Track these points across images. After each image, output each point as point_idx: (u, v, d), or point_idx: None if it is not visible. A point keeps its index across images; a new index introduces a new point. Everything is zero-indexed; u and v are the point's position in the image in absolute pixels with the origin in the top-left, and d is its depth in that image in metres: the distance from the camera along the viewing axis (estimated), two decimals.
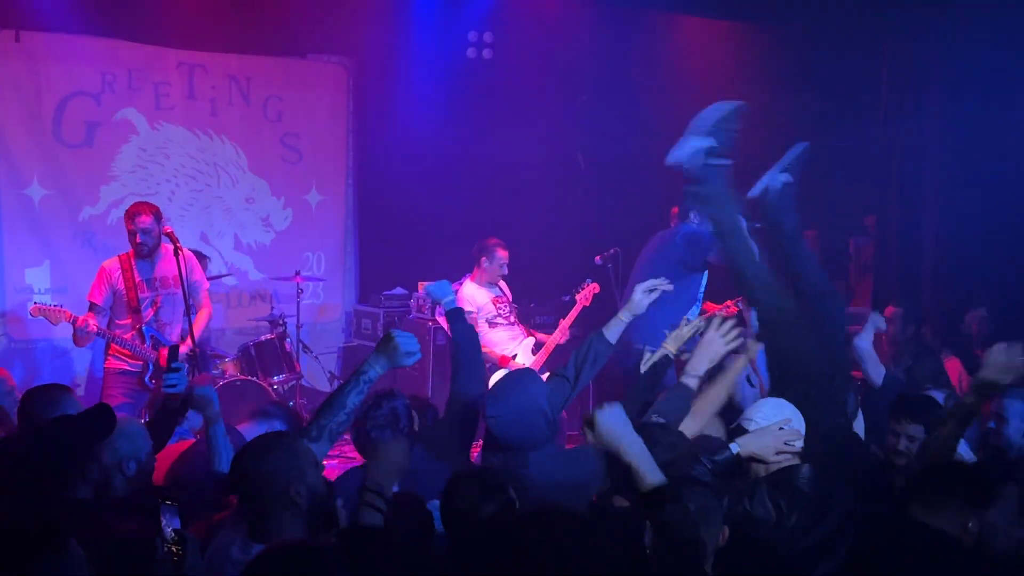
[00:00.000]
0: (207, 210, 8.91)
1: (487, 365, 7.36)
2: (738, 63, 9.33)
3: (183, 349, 6.11)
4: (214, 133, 8.89)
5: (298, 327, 8.37)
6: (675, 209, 7.65)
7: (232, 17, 8.42)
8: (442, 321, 8.23)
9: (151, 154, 8.61)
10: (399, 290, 9.07)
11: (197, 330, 6.48)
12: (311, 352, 8.64)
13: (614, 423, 3.20)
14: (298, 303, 8.38)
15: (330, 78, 9.40)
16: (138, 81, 8.46)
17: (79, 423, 3.67)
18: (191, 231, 8.66)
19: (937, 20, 8.26)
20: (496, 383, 4.24)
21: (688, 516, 3.01)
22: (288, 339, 8.12)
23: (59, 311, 6.19)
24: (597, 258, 7.77)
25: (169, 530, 2.91)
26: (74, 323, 6.12)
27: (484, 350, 7.32)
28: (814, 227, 9.37)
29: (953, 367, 7.42)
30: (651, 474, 3.09)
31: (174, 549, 2.89)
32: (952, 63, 8.63)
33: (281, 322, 8.19)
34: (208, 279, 8.17)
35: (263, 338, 8.03)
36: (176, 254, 6.14)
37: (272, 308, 8.61)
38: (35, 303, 6.37)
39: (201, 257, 8.21)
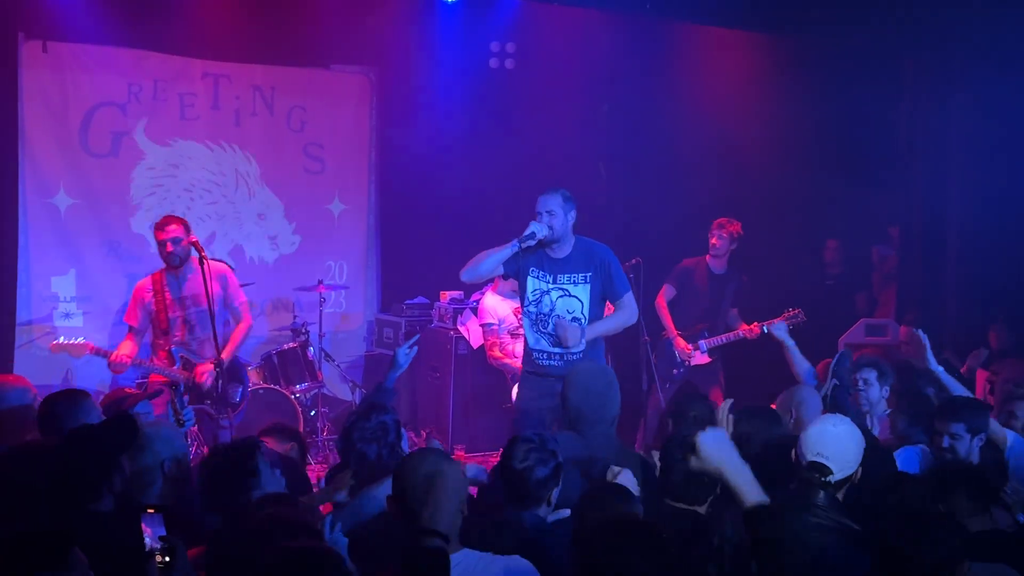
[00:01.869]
0: (222, 218, 8.95)
1: (509, 376, 7.40)
2: (760, 72, 9.31)
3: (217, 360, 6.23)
4: (237, 147, 8.93)
5: (320, 336, 8.40)
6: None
7: (257, 28, 8.48)
8: (463, 330, 8.25)
9: (164, 170, 8.63)
10: (421, 299, 9.09)
11: (235, 342, 6.57)
12: (333, 361, 8.67)
13: (717, 446, 3.25)
14: (320, 312, 8.41)
15: (353, 88, 9.45)
16: (163, 91, 8.53)
17: (101, 433, 3.68)
18: (201, 232, 8.65)
19: (961, 29, 8.22)
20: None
21: (787, 533, 3.09)
22: (310, 348, 8.16)
23: (81, 346, 6.23)
24: None
25: (150, 539, 2.90)
26: (107, 357, 6.18)
27: (506, 361, 7.36)
28: (836, 237, 9.37)
29: (978, 378, 7.39)
30: (753, 494, 3.12)
31: (161, 558, 2.88)
32: (977, 72, 8.57)
33: (303, 331, 8.23)
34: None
35: (285, 347, 8.07)
36: (201, 263, 6.19)
37: (294, 317, 8.65)
38: (55, 340, 6.41)
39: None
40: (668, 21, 8.90)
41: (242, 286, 8.39)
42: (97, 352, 6.21)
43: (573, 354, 5.64)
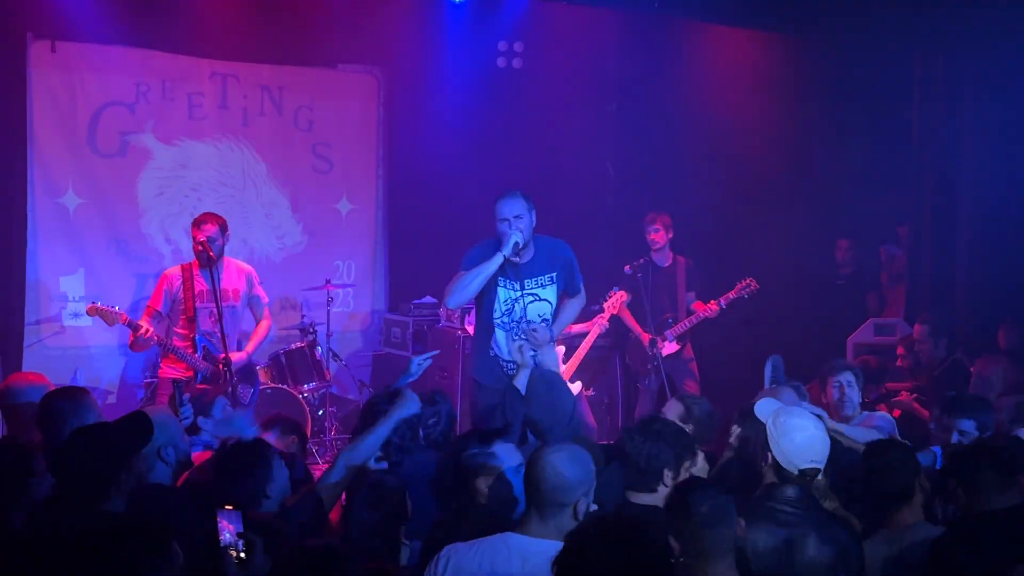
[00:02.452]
0: (228, 218, 8.91)
1: None
2: (768, 72, 9.30)
3: (236, 359, 6.39)
4: (245, 146, 8.93)
5: (328, 335, 8.40)
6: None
7: (265, 28, 8.50)
8: (471, 330, 8.24)
9: (170, 172, 8.63)
10: (429, 299, 9.08)
11: (258, 340, 6.72)
12: (341, 360, 8.67)
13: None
14: (328, 311, 8.41)
15: (361, 88, 9.45)
16: (172, 91, 8.54)
17: (111, 433, 3.68)
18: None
19: (970, 28, 8.19)
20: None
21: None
22: (318, 347, 8.16)
23: (116, 313, 6.27)
24: (627, 267, 7.76)
25: (229, 534, 2.93)
26: (136, 329, 6.21)
27: None
28: (848, 237, 9.34)
29: None
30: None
31: (236, 553, 2.91)
32: (985, 71, 8.54)
33: (311, 330, 8.23)
34: None
35: (293, 346, 8.08)
36: (210, 263, 6.24)
37: (302, 316, 8.65)
38: (92, 303, 6.42)
39: None
40: (676, 19, 8.89)
41: None
42: (129, 324, 6.24)
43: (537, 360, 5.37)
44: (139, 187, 8.52)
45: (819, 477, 3.72)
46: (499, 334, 5.59)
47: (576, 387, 7.28)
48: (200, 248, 6.43)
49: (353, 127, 9.44)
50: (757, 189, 9.16)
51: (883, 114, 9.08)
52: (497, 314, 5.59)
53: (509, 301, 5.56)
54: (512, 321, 5.56)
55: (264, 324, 6.89)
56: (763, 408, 4.05)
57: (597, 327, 7.53)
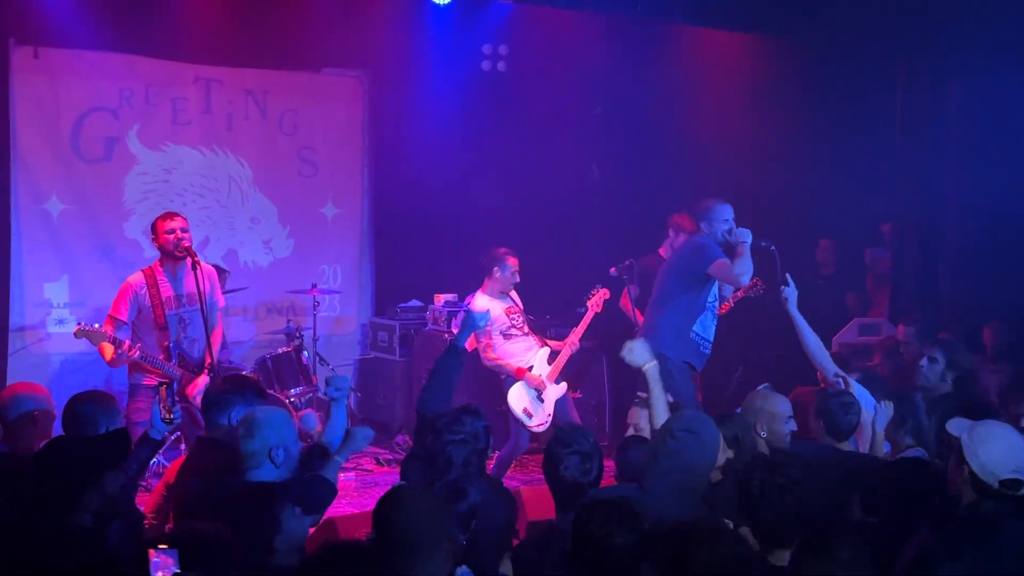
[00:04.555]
0: (214, 223, 8.95)
1: (503, 377, 7.37)
2: (754, 74, 9.33)
3: (201, 384, 6.12)
4: (229, 151, 8.93)
5: (315, 340, 8.39)
6: (676, 218, 7.70)
7: (249, 32, 8.47)
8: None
9: (156, 175, 8.62)
10: (415, 302, 9.08)
11: (217, 347, 6.40)
12: (328, 365, 8.65)
13: None
14: (314, 316, 8.39)
15: (346, 92, 9.44)
16: (155, 96, 8.52)
17: (83, 449, 3.63)
18: (199, 240, 8.65)
19: (955, 28, 8.23)
20: None
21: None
22: (305, 352, 8.14)
23: (100, 332, 6.01)
24: (612, 269, 7.76)
25: (164, 574, 2.85)
26: (119, 345, 6.00)
27: (500, 362, 7.34)
28: (830, 237, 9.37)
29: None
30: None
31: None
32: (970, 72, 8.59)
33: (298, 335, 8.21)
34: (230, 291, 8.24)
35: (280, 351, 8.05)
36: (194, 268, 6.16)
37: (288, 321, 8.63)
38: (78, 324, 6.13)
39: (221, 271, 8.24)
40: (659, 22, 8.91)
41: (236, 291, 8.43)
42: (114, 340, 6.03)
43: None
44: (125, 190, 8.49)
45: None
46: (707, 316, 6.25)
47: (561, 388, 7.30)
48: (174, 239, 6.14)
49: (338, 131, 9.43)
50: (741, 189, 9.17)
51: (867, 114, 9.10)
52: (711, 298, 6.27)
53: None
54: (715, 299, 6.34)
55: (218, 332, 6.54)
56: (957, 425, 3.79)
57: (568, 348, 7.37)
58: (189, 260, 6.18)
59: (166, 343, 6.22)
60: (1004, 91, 8.18)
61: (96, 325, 6.08)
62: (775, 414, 4.66)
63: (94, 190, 8.37)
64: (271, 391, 7.69)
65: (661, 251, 7.93)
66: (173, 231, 6.17)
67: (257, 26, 8.45)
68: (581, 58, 9.47)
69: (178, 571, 2.87)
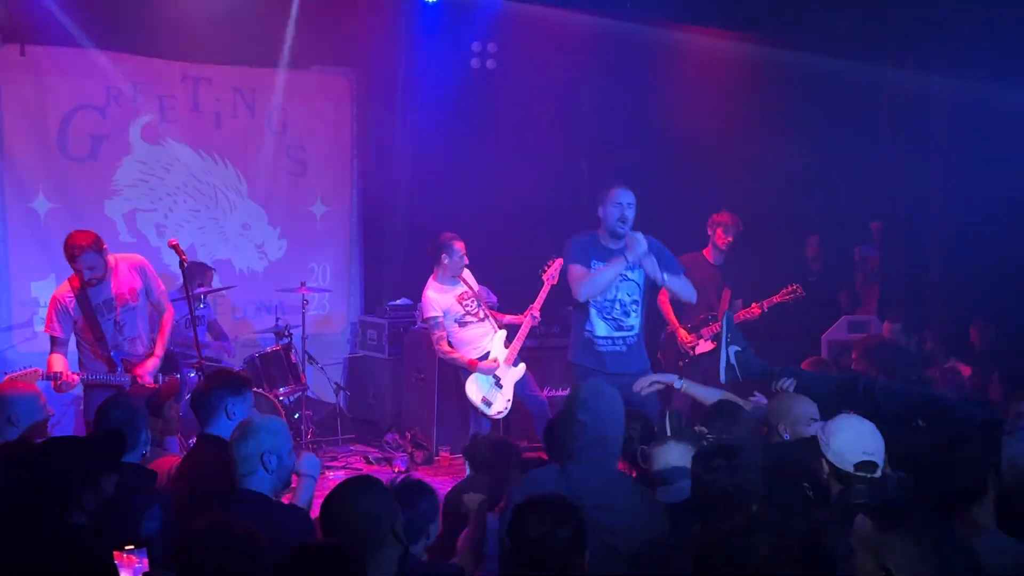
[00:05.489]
0: (202, 230, 8.93)
1: (460, 371, 7.34)
2: (741, 73, 9.35)
3: (150, 367, 6.11)
4: (218, 156, 8.92)
5: (303, 338, 8.36)
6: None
7: (237, 30, 8.43)
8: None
9: (151, 168, 8.64)
10: (404, 300, 9.06)
11: (165, 334, 6.29)
12: (316, 363, 8.63)
13: None
14: (303, 314, 8.37)
15: (334, 90, 9.42)
16: (143, 94, 8.49)
17: (86, 447, 3.66)
18: (185, 247, 8.63)
19: (941, 27, 8.26)
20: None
21: None
22: (293, 350, 8.12)
23: (32, 373, 5.78)
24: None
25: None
26: (56, 378, 5.84)
27: (453, 355, 7.28)
28: (817, 235, 9.40)
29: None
30: None
31: None
32: (956, 71, 8.62)
33: (286, 333, 8.19)
34: (215, 290, 8.23)
35: (268, 349, 8.04)
36: (181, 266, 6.15)
37: (277, 319, 8.61)
38: (7, 375, 5.86)
39: (206, 269, 8.23)
40: (648, 21, 8.92)
41: (223, 289, 8.42)
42: (47, 376, 5.84)
43: (633, 337, 5.95)
44: (117, 173, 8.48)
45: (878, 472, 3.63)
46: (593, 313, 5.92)
47: (520, 370, 7.32)
48: (85, 279, 5.98)
49: (327, 129, 9.41)
50: (728, 185, 9.20)
51: (854, 112, 9.13)
52: (602, 296, 5.93)
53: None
54: (606, 300, 5.91)
55: (167, 315, 6.38)
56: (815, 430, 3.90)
57: (528, 321, 7.25)
58: (123, 261, 6.12)
59: (107, 354, 6.08)
60: (990, 90, 8.21)
61: (28, 368, 5.84)
62: (798, 416, 4.48)
63: (81, 189, 8.34)
64: (259, 390, 7.68)
65: (707, 251, 7.98)
66: (79, 271, 5.98)
67: (245, 24, 8.42)
68: (569, 55, 9.47)
69: (147, 571, 2.87)
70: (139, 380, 6.04)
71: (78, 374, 5.97)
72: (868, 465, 3.60)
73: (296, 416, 8.09)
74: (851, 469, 3.60)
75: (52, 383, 5.87)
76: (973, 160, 8.45)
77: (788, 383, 4.83)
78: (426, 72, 9.23)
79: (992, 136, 8.25)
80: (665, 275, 5.87)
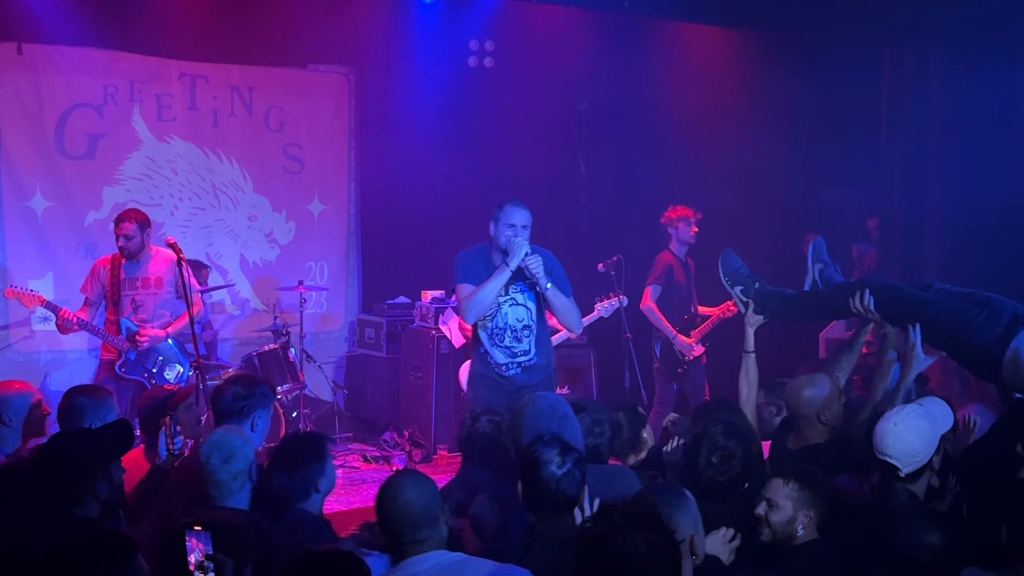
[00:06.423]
0: (207, 229, 8.92)
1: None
2: (739, 69, 9.35)
3: (152, 334, 6.68)
4: (222, 154, 8.92)
5: (301, 337, 8.36)
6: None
7: (234, 28, 8.44)
8: (445, 330, 8.23)
9: (159, 165, 8.65)
10: (402, 299, 9.06)
11: (178, 323, 6.80)
12: (314, 362, 8.63)
13: None
14: (301, 313, 8.37)
15: (332, 88, 9.41)
16: (140, 92, 8.48)
17: (90, 439, 3.67)
18: (195, 248, 8.64)
19: (939, 24, 8.26)
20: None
21: None
22: (291, 349, 8.12)
23: (33, 296, 6.60)
24: (600, 265, 7.77)
25: (198, 554, 2.88)
26: (56, 311, 6.53)
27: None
28: (816, 230, 9.39)
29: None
30: None
31: (205, 575, 2.87)
32: (954, 67, 8.63)
33: (284, 332, 8.18)
34: (211, 289, 8.22)
35: (266, 348, 8.03)
36: (179, 264, 6.19)
37: (275, 318, 8.61)
38: (11, 286, 6.76)
39: (201, 267, 8.23)
40: (646, 18, 8.92)
41: (220, 288, 8.41)
42: (47, 305, 6.57)
43: (530, 360, 5.52)
44: (125, 163, 8.50)
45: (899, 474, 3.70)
46: (483, 336, 5.56)
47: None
48: (120, 245, 6.70)
49: (324, 127, 9.40)
50: (728, 184, 9.20)
51: (852, 109, 9.13)
52: (490, 320, 5.54)
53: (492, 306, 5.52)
54: (496, 328, 5.52)
55: (192, 309, 6.43)
56: None
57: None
58: (163, 252, 6.73)
59: (118, 319, 6.71)
60: (988, 85, 8.21)
61: (32, 289, 6.75)
62: (828, 396, 4.47)
63: (78, 187, 8.32)
64: None
65: (674, 247, 7.94)
66: (117, 236, 6.73)
67: (243, 22, 8.43)
68: (567, 54, 9.47)
69: (211, 552, 2.90)
70: (137, 340, 6.63)
71: (79, 315, 6.64)
72: (885, 465, 3.75)
73: (294, 414, 8.09)
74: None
75: (56, 316, 6.58)
76: (970, 156, 8.46)
77: (869, 299, 4.65)
78: (424, 70, 9.23)
79: (989, 132, 8.25)
80: (549, 283, 5.40)
